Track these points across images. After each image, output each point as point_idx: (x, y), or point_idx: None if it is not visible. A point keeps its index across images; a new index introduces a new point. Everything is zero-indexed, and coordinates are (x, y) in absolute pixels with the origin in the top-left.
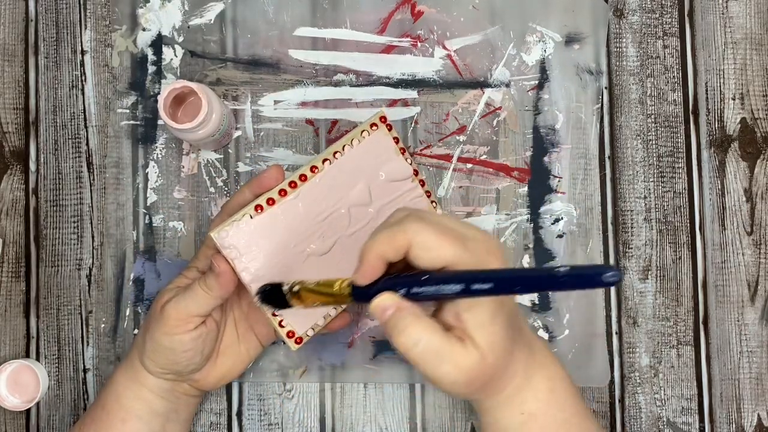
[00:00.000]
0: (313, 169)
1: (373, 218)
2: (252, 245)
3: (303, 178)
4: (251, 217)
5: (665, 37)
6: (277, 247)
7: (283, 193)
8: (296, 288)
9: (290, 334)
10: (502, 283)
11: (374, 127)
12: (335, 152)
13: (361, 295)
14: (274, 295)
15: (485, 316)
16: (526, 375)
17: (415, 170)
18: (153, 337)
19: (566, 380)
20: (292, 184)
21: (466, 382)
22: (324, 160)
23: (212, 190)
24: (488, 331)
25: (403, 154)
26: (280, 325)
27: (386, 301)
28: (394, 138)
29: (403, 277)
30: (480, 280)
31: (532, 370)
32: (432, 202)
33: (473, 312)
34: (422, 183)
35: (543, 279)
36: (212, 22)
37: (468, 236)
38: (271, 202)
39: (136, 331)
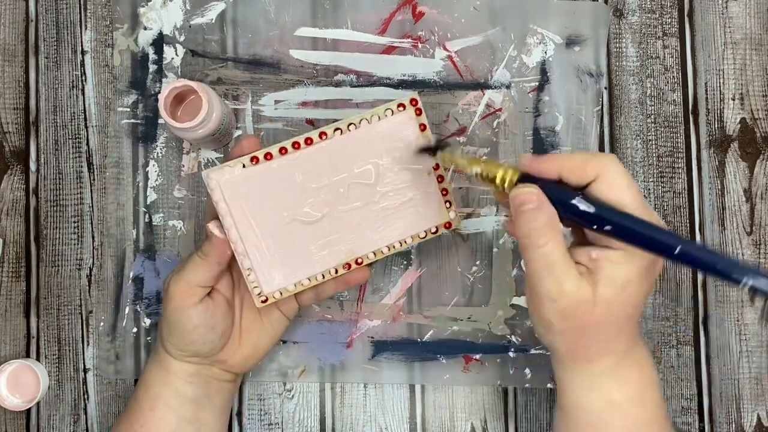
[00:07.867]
0: (321, 135)
1: (372, 202)
2: (237, 193)
3: (309, 141)
4: (243, 166)
5: (665, 38)
6: (262, 202)
7: (283, 151)
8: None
9: (260, 295)
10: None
11: (401, 108)
12: (350, 124)
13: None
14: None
15: (623, 276)
16: (619, 362)
17: (436, 165)
18: (165, 317)
19: (657, 387)
20: (296, 145)
21: (561, 311)
22: (336, 129)
23: None
24: (614, 289)
25: None
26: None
27: (530, 195)
28: (420, 125)
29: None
30: (661, 237)
31: (627, 361)
32: (446, 202)
33: (616, 267)
34: (441, 179)
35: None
36: (213, 21)
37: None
38: (269, 156)
39: (135, 329)
